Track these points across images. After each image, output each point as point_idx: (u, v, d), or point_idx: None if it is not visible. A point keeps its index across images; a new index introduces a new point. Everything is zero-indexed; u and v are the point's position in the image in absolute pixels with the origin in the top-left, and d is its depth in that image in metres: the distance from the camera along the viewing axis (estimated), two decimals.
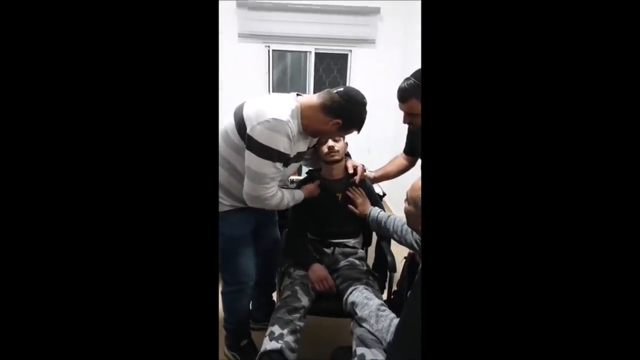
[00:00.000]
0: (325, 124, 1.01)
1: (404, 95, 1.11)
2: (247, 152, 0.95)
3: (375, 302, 1.00)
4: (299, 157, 1.10)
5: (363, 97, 1.03)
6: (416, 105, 1.09)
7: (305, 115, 1.00)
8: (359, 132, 1.09)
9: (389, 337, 0.90)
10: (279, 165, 0.97)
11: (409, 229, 1.13)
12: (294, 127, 0.97)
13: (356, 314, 1.00)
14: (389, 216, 1.23)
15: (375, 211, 1.26)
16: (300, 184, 1.31)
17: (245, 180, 0.99)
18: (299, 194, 1.20)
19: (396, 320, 0.92)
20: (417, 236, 1.09)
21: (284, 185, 1.51)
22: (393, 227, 1.18)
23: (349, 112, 1.00)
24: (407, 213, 0.89)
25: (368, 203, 1.29)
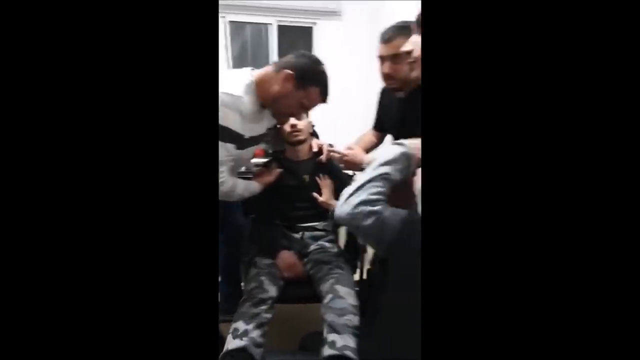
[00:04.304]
0: (277, 83, 0.90)
1: (390, 35, 0.98)
2: None
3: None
4: (257, 139, 1.00)
5: (317, 57, 0.94)
6: (402, 42, 0.95)
7: (261, 89, 0.91)
8: (323, 93, 0.95)
9: None
10: (230, 146, 0.88)
11: None
12: (247, 103, 0.88)
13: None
14: None
15: None
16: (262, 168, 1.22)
17: None
18: (254, 186, 1.10)
19: None
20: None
21: (247, 170, 1.40)
22: None
23: (300, 64, 0.91)
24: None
25: (332, 199, 1.20)
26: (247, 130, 0.92)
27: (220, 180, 0.91)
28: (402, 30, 0.98)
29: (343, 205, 0.76)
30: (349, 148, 1.22)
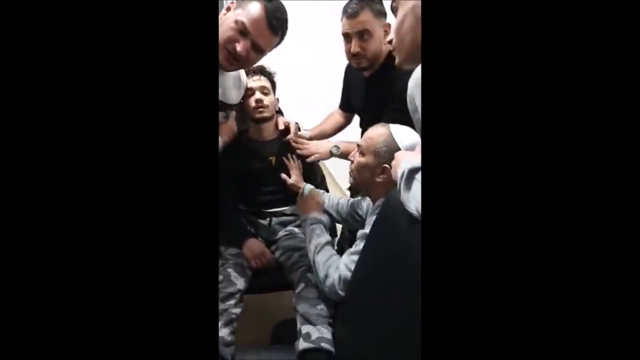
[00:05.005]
0: (220, 20, 0.82)
1: (354, 9, 0.89)
2: None
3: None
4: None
5: None
6: (370, 19, 0.89)
7: None
8: (270, 17, 0.81)
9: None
10: None
11: (345, 203, 1.05)
12: None
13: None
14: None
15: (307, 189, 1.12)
16: None
17: None
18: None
19: None
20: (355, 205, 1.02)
21: None
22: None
23: None
24: (362, 166, 0.84)
25: (302, 181, 1.14)
26: None
27: None
28: (366, 3, 0.90)
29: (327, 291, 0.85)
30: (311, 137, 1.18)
